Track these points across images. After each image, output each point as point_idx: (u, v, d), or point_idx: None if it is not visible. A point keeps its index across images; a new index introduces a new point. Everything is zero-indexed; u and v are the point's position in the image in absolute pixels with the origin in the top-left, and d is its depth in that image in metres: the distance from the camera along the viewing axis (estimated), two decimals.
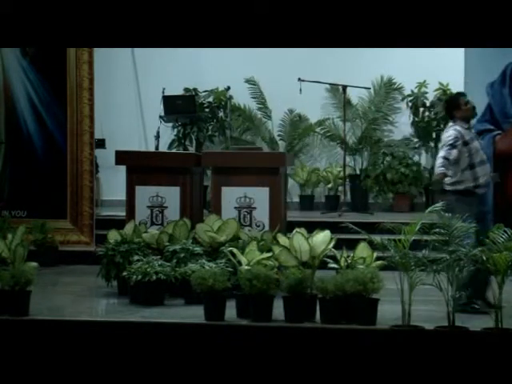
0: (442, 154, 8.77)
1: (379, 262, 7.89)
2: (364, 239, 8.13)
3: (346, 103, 13.11)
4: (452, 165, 8.71)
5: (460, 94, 9.19)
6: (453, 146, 8.79)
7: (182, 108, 13.75)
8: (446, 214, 7.80)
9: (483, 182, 8.76)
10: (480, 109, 10.63)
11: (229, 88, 14.05)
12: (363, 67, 13.48)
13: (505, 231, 7.62)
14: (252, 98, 14.23)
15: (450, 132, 8.90)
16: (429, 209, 7.89)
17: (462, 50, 10.90)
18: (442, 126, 13.62)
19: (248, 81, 14.08)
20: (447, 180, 8.69)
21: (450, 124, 8.97)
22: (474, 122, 10.38)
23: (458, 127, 8.85)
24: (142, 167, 10.25)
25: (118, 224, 9.67)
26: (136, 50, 14.38)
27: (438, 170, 8.74)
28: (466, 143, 8.72)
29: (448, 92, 13.38)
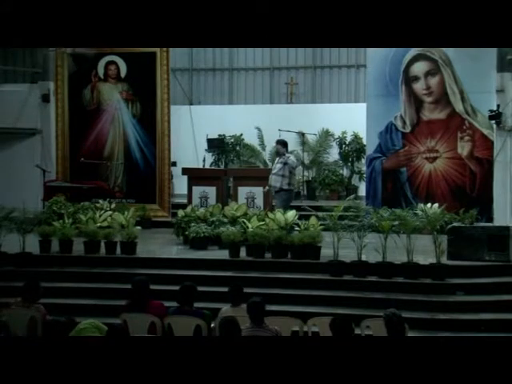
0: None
1: (321, 227, 7.87)
2: (313, 214, 8.18)
3: (304, 142, 13.06)
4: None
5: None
6: None
7: (217, 145, 13.78)
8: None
9: (271, 185, 8.77)
10: (375, 145, 10.69)
11: (241, 134, 14.03)
12: (313, 122, 13.36)
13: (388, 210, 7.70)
14: (257, 138, 14.07)
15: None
16: (347, 199, 7.91)
17: (365, 112, 10.76)
18: (354, 155, 13.47)
19: (257, 127, 13.94)
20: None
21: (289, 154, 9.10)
22: (371, 152, 10.34)
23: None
24: (196, 176, 10.21)
25: (183, 206, 9.63)
26: (193, 110, 14.30)
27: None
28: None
29: (357, 137, 13.21)
